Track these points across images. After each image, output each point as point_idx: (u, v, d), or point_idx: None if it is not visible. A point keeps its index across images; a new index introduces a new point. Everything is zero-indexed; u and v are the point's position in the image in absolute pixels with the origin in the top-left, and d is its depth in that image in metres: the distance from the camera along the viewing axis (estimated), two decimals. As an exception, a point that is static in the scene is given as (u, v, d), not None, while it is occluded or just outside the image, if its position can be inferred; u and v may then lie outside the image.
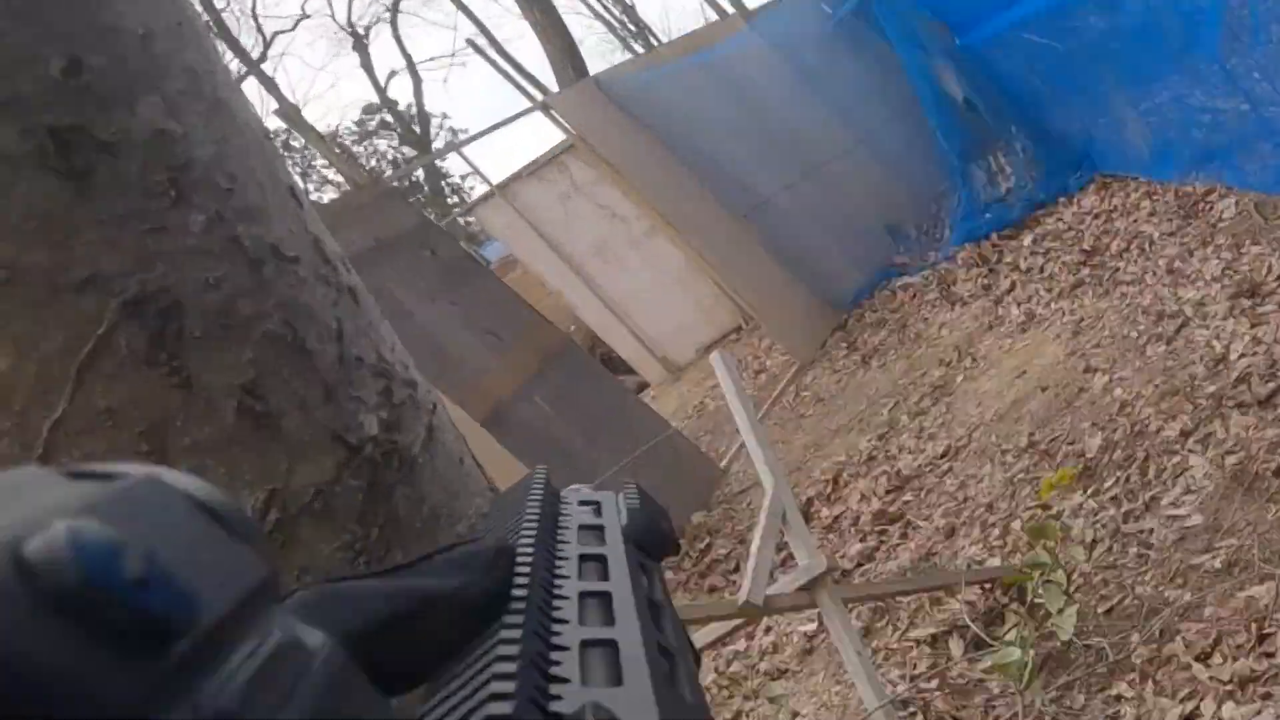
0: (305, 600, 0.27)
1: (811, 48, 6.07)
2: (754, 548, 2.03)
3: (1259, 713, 1.92)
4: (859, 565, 3.99)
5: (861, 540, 4.14)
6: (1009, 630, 2.68)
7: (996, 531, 3.58)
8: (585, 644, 0.27)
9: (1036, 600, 2.66)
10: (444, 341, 4.11)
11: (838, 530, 4.44)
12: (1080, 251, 5.33)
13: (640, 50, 20.79)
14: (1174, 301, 4.18)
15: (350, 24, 23.34)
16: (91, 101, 0.42)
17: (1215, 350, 3.68)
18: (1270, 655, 2.01)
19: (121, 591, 0.13)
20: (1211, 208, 4.85)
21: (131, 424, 0.42)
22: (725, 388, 2.45)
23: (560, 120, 4.98)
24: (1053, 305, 5.06)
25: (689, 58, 5.93)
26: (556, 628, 0.28)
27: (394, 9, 22.78)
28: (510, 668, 0.25)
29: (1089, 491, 3.40)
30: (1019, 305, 5.35)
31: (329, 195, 22.53)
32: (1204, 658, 2.26)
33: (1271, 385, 3.19)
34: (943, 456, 4.50)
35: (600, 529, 0.36)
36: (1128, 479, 3.30)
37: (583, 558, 0.34)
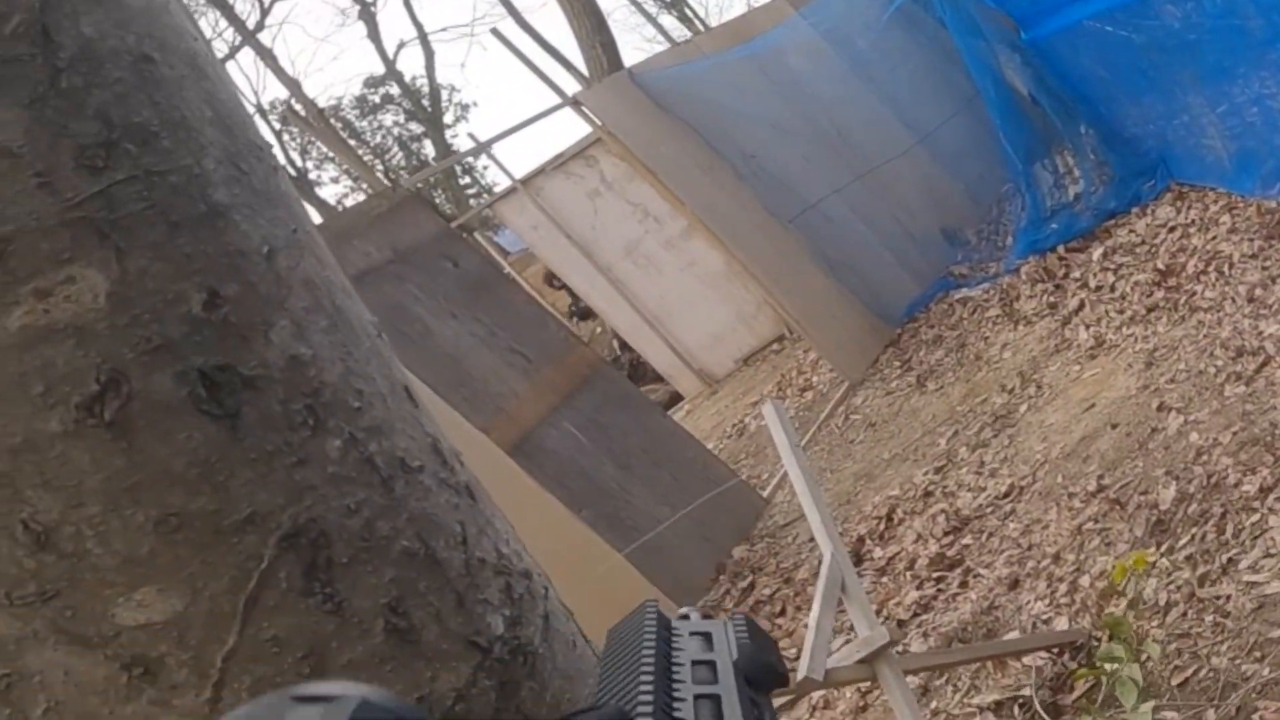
0: None
1: (865, 38, 5.74)
2: (812, 620, 1.93)
3: None
4: (915, 615, 3.84)
5: (918, 587, 4.02)
6: (1078, 698, 2.52)
7: (1064, 587, 3.43)
8: None
9: (1107, 665, 2.49)
10: (467, 362, 3.99)
11: (892, 573, 4.32)
12: (1154, 270, 5.20)
13: (674, 26, 20.45)
14: (1254, 336, 4.01)
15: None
16: (233, 336, 0.42)
17: None
18: None
19: None
20: None
21: (294, 649, 0.42)
22: (779, 444, 2.29)
23: (592, 118, 4.77)
24: (1124, 330, 4.89)
25: (732, 50, 5.69)
26: None
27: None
28: None
29: (1163, 549, 3.22)
30: (1088, 328, 5.22)
31: (330, 173, 20.96)
32: None
33: None
34: (1005, 496, 4.34)
35: (713, 664, 0.36)
36: (1204, 537, 3.11)
37: (698, 698, 0.33)
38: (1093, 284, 5.52)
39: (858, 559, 4.64)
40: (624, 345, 6.74)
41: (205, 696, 0.39)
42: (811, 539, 3.82)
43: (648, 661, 0.35)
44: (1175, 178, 5.79)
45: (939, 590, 3.98)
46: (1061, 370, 5.03)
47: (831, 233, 5.57)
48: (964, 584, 3.93)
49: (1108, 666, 2.53)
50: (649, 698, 0.32)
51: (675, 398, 7.07)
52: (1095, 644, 2.73)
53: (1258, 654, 2.46)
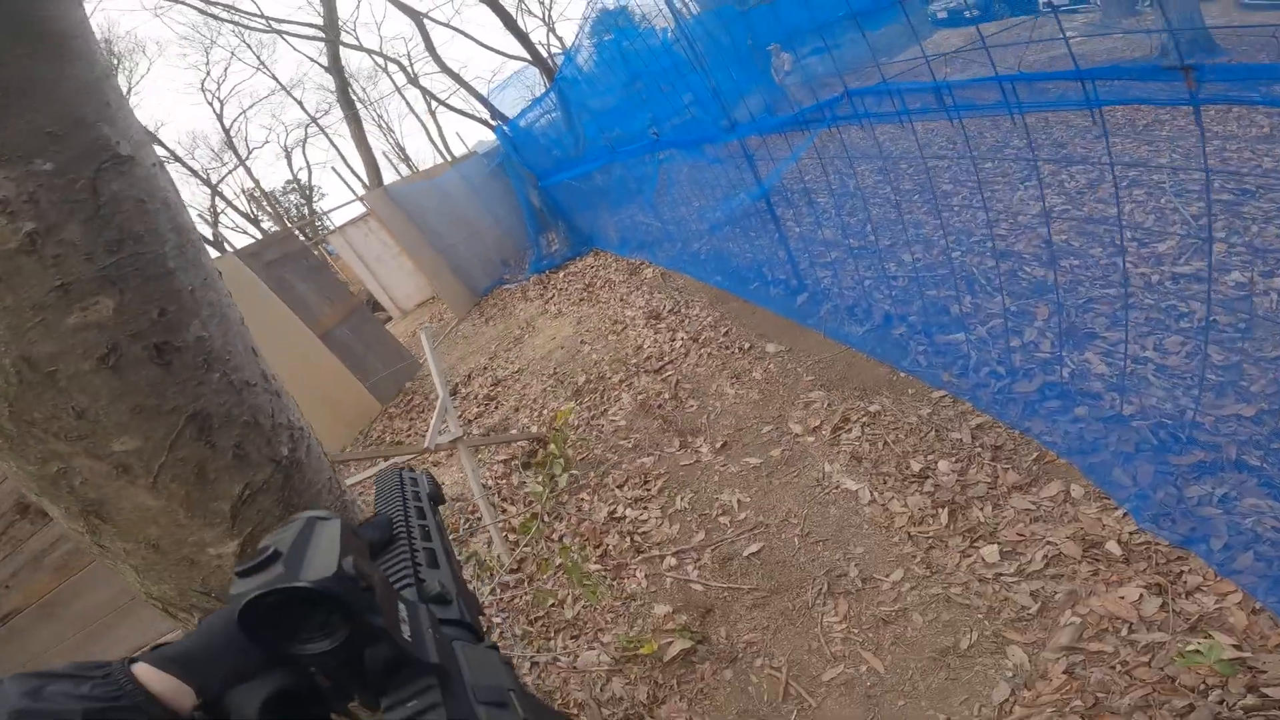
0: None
1: (479, 181, 9.39)
2: (431, 424, 3.20)
3: (645, 511, 3.18)
4: (476, 419, 5.03)
5: (478, 407, 5.27)
6: (538, 461, 3.92)
7: (538, 413, 4.56)
8: (429, 555, 0.56)
9: (554, 457, 3.72)
10: (307, 300, 6.23)
11: (470, 399, 5.57)
12: (584, 284, 6.71)
13: (404, 167, 29.78)
14: (622, 314, 5.34)
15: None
16: (171, 328, 0.71)
17: (636, 343, 4.73)
18: (647, 485, 3.37)
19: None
20: (642, 272, 6.04)
21: (190, 464, 0.75)
22: (425, 346, 3.62)
23: (369, 205, 7.76)
24: (569, 308, 6.30)
25: (424, 181, 9.23)
26: (418, 549, 0.57)
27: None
28: (408, 568, 0.53)
29: (577, 403, 4.42)
30: (555, 305, 6.65)
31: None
32: (620, 486, 3.41)
33: (659, 363, 4.32)
34: (516, 372, 5.56)
35: (418, 492, 0.68)
36: (595, 400, 4.38)
37: (418, 507, 0.63)
38: (559, 287, 7.09)
39: (455, 392, 5.78)
40: (371, 296, 11.58)
41: (149, 481, 0.71)
42: (434, 391, 5.63)
43: (397, 492, 0.66)
44: (596, 246, 7.74)
45: (485, 409, 5.18)
46: (544, 322, 6.37)
47: (458, 256, 8.40)
48: (496, 407, 5.11)
49: (552, 448, 3.81)
50: (400, 508, 0.63)
51: (388, 318, 11.56)
52: (552, 436, 3.93)
53: (613, 449, 3.72)
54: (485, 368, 6.29)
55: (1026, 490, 2.23)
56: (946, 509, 2.29)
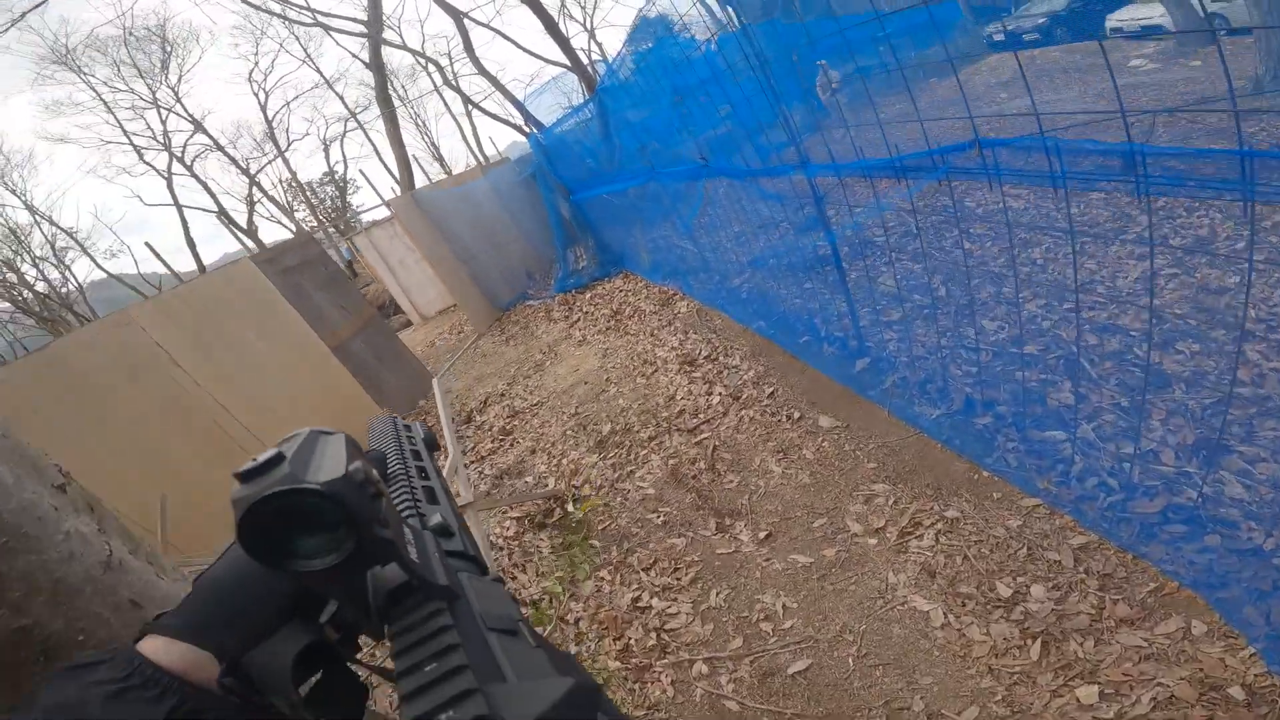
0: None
1: (508, 189, 9.02)
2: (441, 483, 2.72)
3: (674, 604, 2.73)
4: (488, 456, 4.67)
5: (492, 441, 4.88)
6: (554, 520, 3.54)
7: (555, 461, 4.17)
8: (428, 493, 0.53)
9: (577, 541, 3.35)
10: (323, 311, 5.95)
11: (483, 430, 5.20)
12: (611, 310, 6.23)
13: (438, 167, 30.29)
14: (652, 355, 4.87)
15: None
16: None
17: (668, 392, 4.26)
18: (678, 573, 2.89)
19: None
20: (675, 304, 5.57)
21: None
22: (436, 397, 3.41)
23: (393, 209, 7.64)
24: (595, 336, 5.85)
25: (455, 188, 8.91)
26: (415, 486, 0.54)
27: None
28: (409, 501, 0.51)
29: (600, 456, 3.99)
30: (580, 331, 6.20)
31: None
32: (646, 569, 2.96)
33: (693, 421, 3.81)
34: (536, 406, 5.16)
35: (414, 437, 0.66)
36: (620, 455, 3.92)
37: (414, 450, 0.61)
38: (585, 310, 6.66)
39: (469, 419, 5.54)
40: (391, 299, 11.74)
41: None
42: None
43: (391, 435, 0.63)
44: (626, 268, 7.27)
45: (499, 446, 4.77)
46: (566, 348, 5.94)
47: (480, 266, 8.07)
48: (512, 444, 4.67)
49: (570, 508, 3.48)
50: (396, 446, 0.60)
51: (408, 323, 11.61)
52: (570, 494, 3.58)
53: (639, 522, 3.24)
54: (503, 394, 5.92)
55: (1138, 625, 1.93)
56: (1038, 641, 1.98)
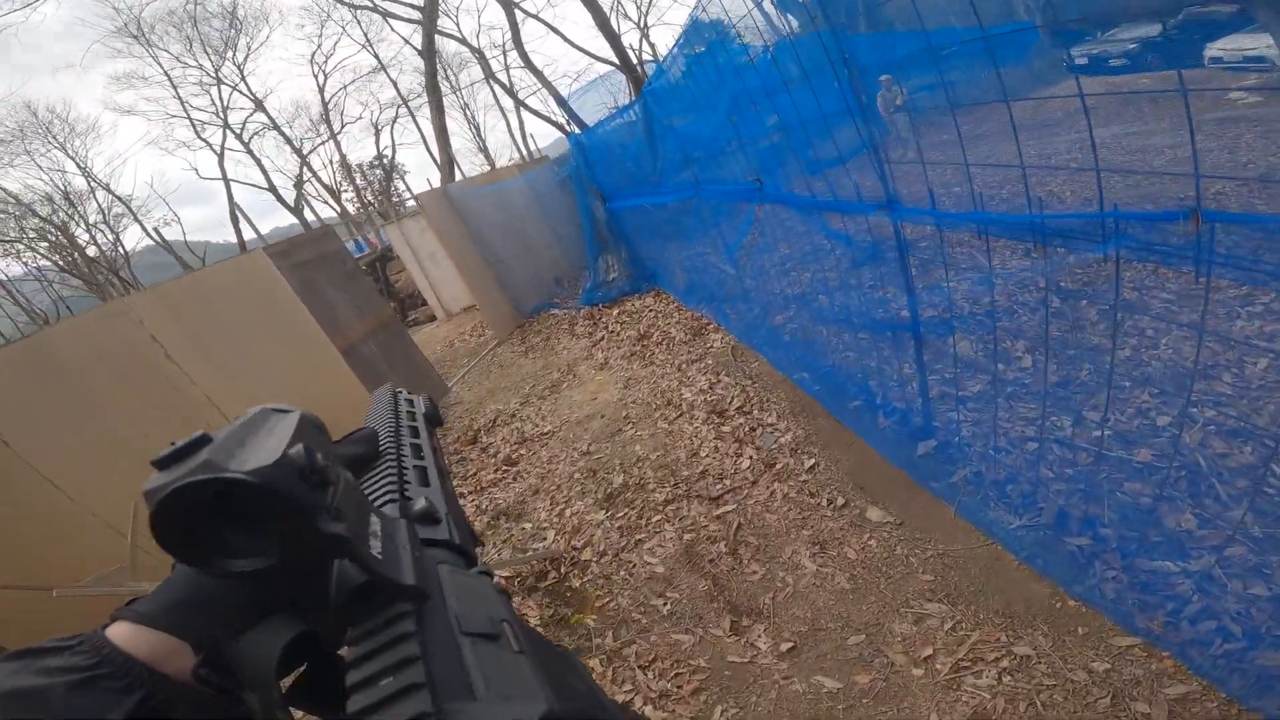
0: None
1: (544, 191, 8.73)
2: None
3: (672, 716, 2.32)
4: (488, 488, 4.35)
5: (494, 471, 4.52)
6: (549, 584, 3.13)
7: (559, 508, 3.77)
8: (420, 474, 0.51)
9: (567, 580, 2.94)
10: (336, 309, 5.65)
11: (488, 454, 4.84)
12: (638, 332, 5.77)
13: (481, 158, 30.96)
14: (678, 395, 4.37)
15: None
16: None
17: (691, 445, 3.77)
18: (679, 678, 2.45)
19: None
20: (708, 336, 5.08)
21: None
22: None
23: (422, 204, 7.39)
24: (618, 361, 5.39)
25: (488, 186, 8.65)
26: (406, 466, 0.51)
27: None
28: (394, 482, 0.48)
29: (608, 514, 3.52)
30: (603, 352, 5.78)
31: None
32: (644, 667, 2.53)
33: (717, 487, 3.32)
34: (547, 435, 4.77)
35: (413, 412, 0.63)
36: (631, 517, 3.45)
37: (413, 426, 0.58)
38: (611, 328, 6.19)
39: (475, 439, 5.21)
40: (417, 292, 11.65)
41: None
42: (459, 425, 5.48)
43: (389, 408, 0.61)
44: (658, 285, 6.78)
45: (502, 477, 4.37)
46: (586, 370, 5.51)
47: (507, 270, 7.79)
48: (516, 477, 4.29)
49: (564, 569, 3.07)
50: (391, 422, 0.57)
51: (432, 317, 11.46)
52: (570, 558, 3.16)
53: (642, 606, 2.76)
54: (514, 415, 5.55)
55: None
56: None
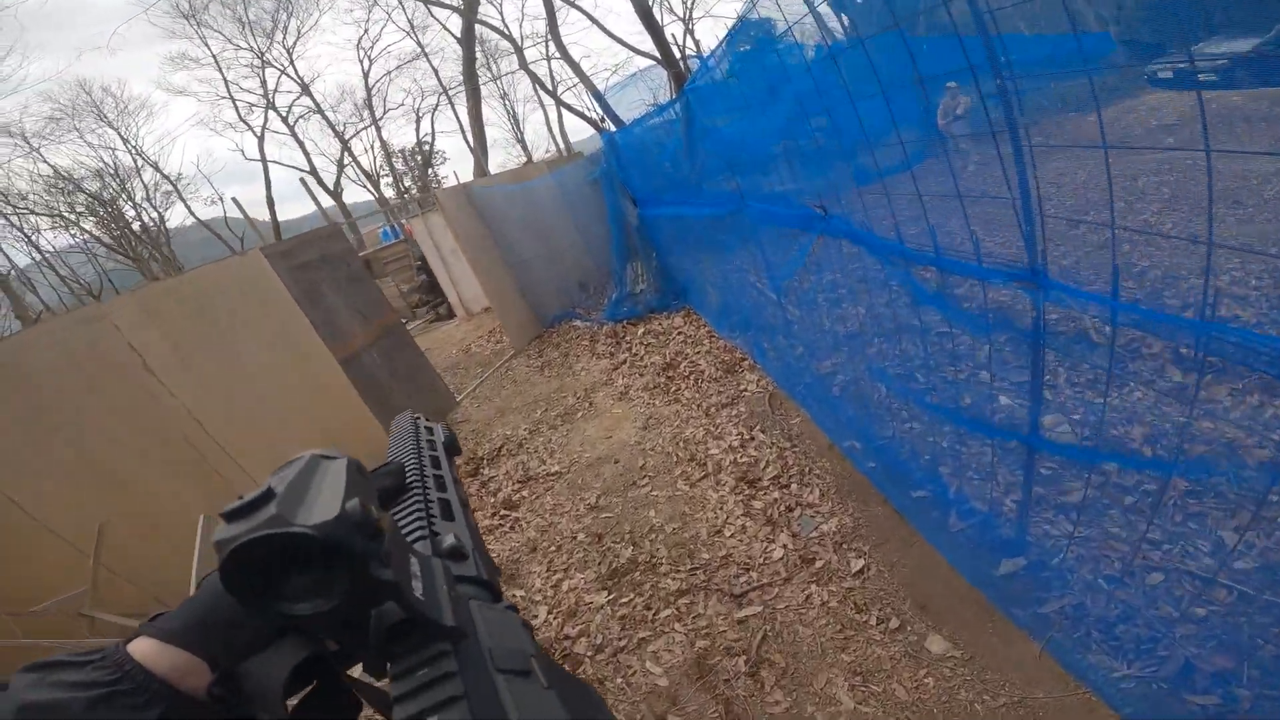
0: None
1: (575, 191, 8.13)
2: None
3: None
4: (486, 532, 3.79)
5: (492, 516, 4.05)
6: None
7: (554, 578, 3.27)
8: (443, 506, 0.52)
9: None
10: (336, 314, 5.23)
11: (487, 492, 4.41)
12: (664, 360, 5.21)
13: (518, 149, 30.56)
14: (704, 451, 3.78)
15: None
16: None
17: (713, 521, 3.18)
18: None
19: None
20: (742, 376, 4.47)
21: None
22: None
23: (440, 201, 6.85)
24: (640, 394, 4.85)
25: (514, 185, 8.10)
26: (432, 500, 0.53)
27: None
28: (423, 518, 0.49)
29: (611, 596, 2.95)
30: (624, 379, 5.26)
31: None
32: None
33: (741, 583, 2.71)
34: (552, 475, 4.29)
35: (433, 441, 0.63)
36: (636, 605, 2.87)
37: (433, 455, 0.60)
38: (634, 350, 5.61)
39: (476, 470, 4.74)
40: (438, 288, 11.31)
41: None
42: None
43: (411, 438, 0.61)
44: (689, 304, 6.20)
45: (500, 524, 3.91)
46: (604, 399, 4.99)
47: (529, 275, 7.29)
48: (514, 526, 3.82)
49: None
50: (414, 455, 0.58)
51: (452, 314, 11.16)
52: (562, 645, 2.47)
53: None
54: (522, 445, 5.07)
55: None
56: None
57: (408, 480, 0.55)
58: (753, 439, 3.73)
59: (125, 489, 4.04)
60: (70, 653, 0.35)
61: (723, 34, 3.69)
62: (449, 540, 0.48)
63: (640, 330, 6.36)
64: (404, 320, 13.22)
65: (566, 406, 5.37)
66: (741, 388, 4.42)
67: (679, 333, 5.93)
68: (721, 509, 3.26)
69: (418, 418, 0.68)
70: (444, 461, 0.62)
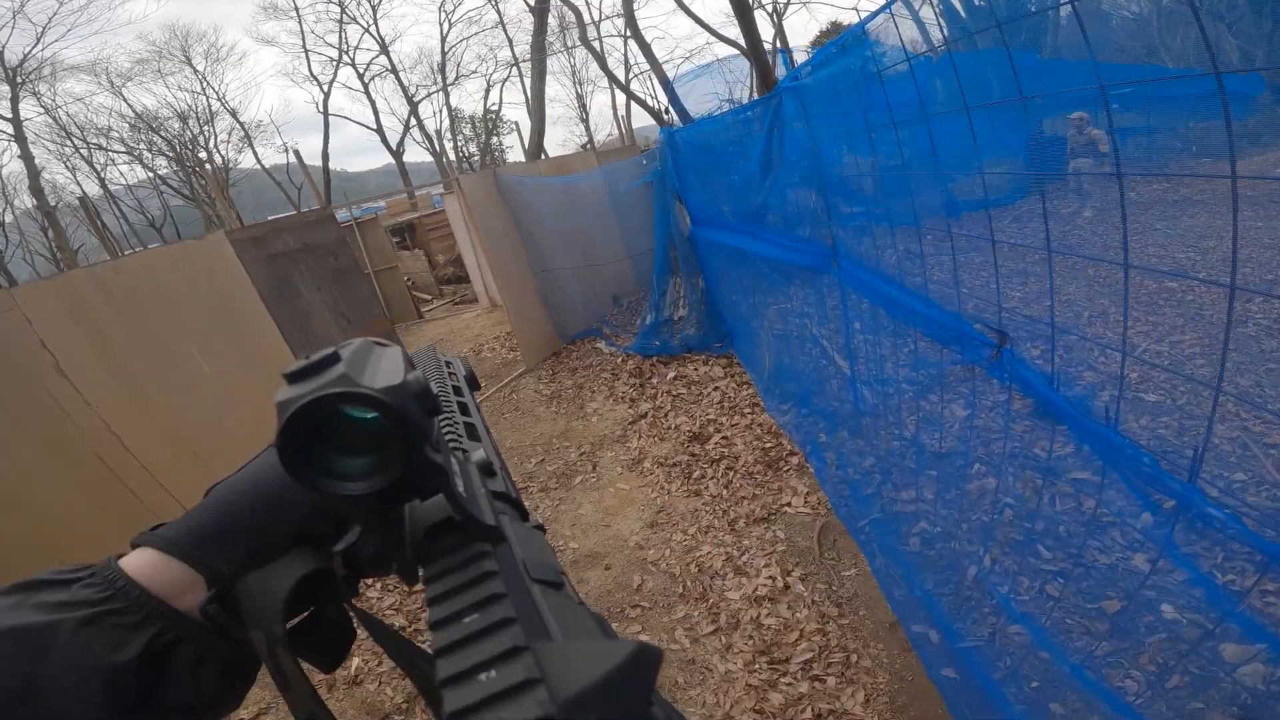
0: None
1: (624, 190, 7.09)
2: None
3: None
4: (426, 640, 3.18)
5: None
6: None
7: None
8: (468, 428, 0.50)
9: None
10: (311, 317, 4.51)
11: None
12: (695, 427, 4.30)
13: (580, 128, 29.99)
14: (720, 591, 2.86)
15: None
16: None
17: (733, 694, 2.40)
18: None
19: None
20: (786, 480, 3.49)
21: None
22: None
23: (461, 186, 6.01)
24: (656, 467, 3.96)
25: (555, 178, 7.13)
26: (460, 421, 0.50)
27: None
28: (460, 435, 0.47)
29: None
30: (641, 439, 4.40)
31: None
32: None
33: None
34: None
35: (455, 372, 0.61)
36: None
37: (455, 389, 0.57)
38: (659, 401, 4.71)
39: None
40: (462, 268, 10.87)
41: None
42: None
43: (435, 365, 0.60)
44: (734, 350, 5.20)
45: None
46: (611, 463, 4.14)
47: (554, 283, 6.51)
48: None
49: None
50: (439, 376, 0.57)
51: (474, 300, 10.53)
52: None
53: None
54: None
55: None
56: None
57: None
58: (788, 588, 2.82)
59: (21, 512, 3.46)
60: (55, 570, 0.32)
61: (813, 30, 2.44)
62: (479, 454, 0.44)
63: (670, 374, 5.41)
64: (425, 299, 12.16)
65: (567, 462, 4.53)
66: (785, 500, 3.43)
67: (716, 389, 4.95)
68: (728, 694, 2.43)
69: (434, 346, 0.66)
70: (466, 392, 0.59)
